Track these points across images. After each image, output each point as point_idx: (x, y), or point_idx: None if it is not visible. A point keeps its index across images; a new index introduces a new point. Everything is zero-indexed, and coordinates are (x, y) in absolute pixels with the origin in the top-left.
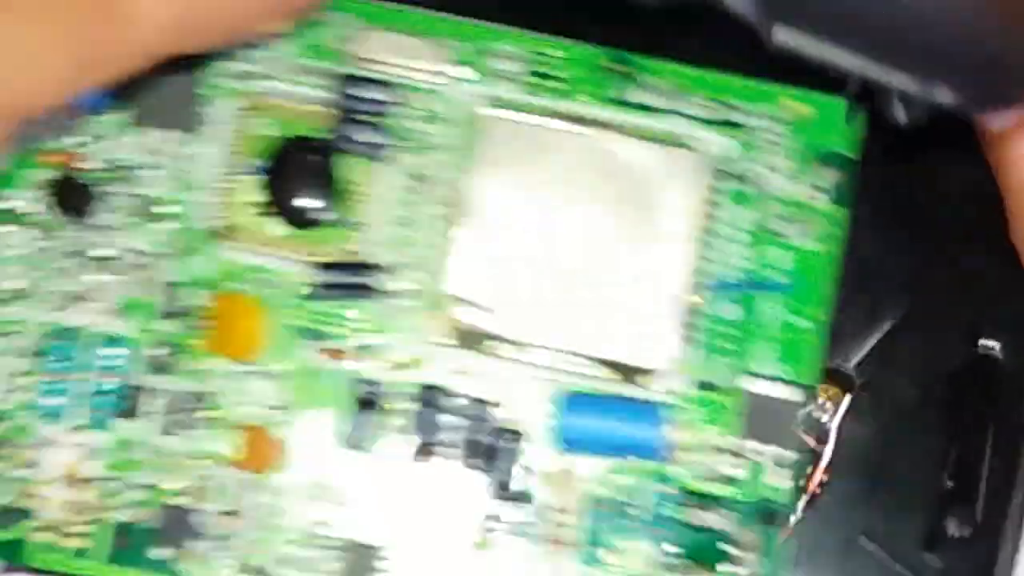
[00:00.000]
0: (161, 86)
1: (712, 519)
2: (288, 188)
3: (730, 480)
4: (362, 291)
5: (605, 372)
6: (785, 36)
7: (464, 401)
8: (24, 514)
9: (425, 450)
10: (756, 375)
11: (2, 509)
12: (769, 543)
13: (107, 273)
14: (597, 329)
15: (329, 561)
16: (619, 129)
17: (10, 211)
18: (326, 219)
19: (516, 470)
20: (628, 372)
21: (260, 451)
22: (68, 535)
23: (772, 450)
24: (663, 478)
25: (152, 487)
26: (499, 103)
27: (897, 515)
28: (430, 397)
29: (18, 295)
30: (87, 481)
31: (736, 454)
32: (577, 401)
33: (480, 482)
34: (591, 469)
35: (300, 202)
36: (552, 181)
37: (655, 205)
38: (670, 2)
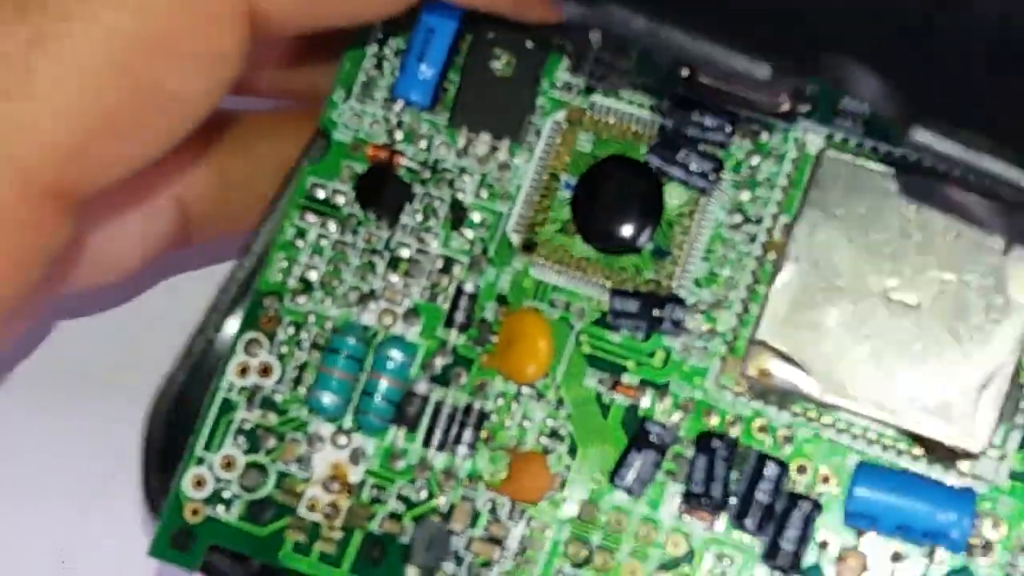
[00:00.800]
0: (496, 93)
1: None
2: (602, 209)
3: None
4: (662, 325)
5: (918, 449)
6: (924, 137)
7: (752, 456)
8: (285, 511)
9: (693, 500)
10: None
11: (263, 502)
12: None
13: (403, 274)
14: (913, 400)
15: None
16: (966, 184)
17: (326, 201)
18: (637, 245)
19: (796, 540)
20: (939, 451)
21: (531, 479)
22: (322, 539)
23: None
24: (960, 573)
25: (410, 501)
26: (838, 145)
27: None
28: (706, 444)
29: (312, 286)
30: (349, 486)
31: None
32: (877, 474)
33: (750, 546)
34: (883, 555)
35: (613, 226)
36: (888, 234)
37: (1005, 275)
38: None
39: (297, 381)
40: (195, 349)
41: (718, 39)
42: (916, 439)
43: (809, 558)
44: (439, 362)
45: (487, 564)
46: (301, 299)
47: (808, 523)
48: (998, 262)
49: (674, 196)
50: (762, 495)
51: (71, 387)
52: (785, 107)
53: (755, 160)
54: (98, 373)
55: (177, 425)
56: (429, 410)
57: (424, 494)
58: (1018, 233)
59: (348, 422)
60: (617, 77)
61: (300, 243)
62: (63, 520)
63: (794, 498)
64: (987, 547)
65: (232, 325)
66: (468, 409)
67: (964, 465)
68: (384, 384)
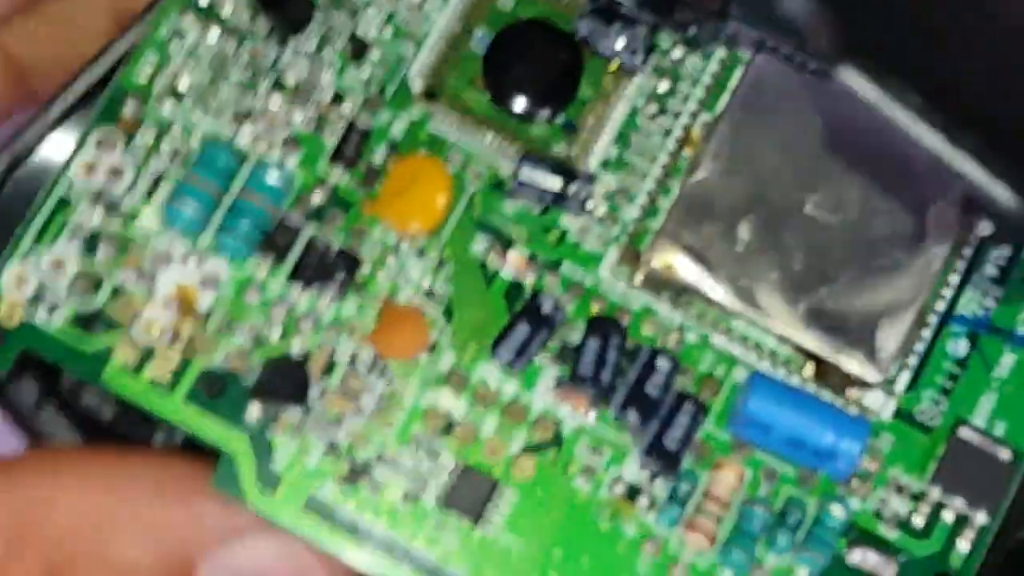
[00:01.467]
0: None
1: (872, 562)
2: (519, 73)
3: (904, 526)
4: (563, 201)
5: (809, 369)
6: (851, 77)
7: (643, 349)
8: (114, 328)
9: (575, 381)
10: (965, 422)
11: (95, 315)
12: None
13: (290, 100)
14: (816, 320)
15: (437, 477)
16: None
17: (211, 9)
18: (545, 117)
19: (675, 437)
20: (834, 376)
21: (405, 334)
22: (154, 364)
23: (960, 504)
24: (833, 499)
25: (261, 339)
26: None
27: None
28: (604, 330)
29: (182, 94)
30: (195, 312)
31: (918, 498)
32: (776, 386)
33: (628, 438)
34: (760, 463)
35: (528, 92)
36: (815, 148)
37: (927, 210)
38: None
39: (151, 192)
40: (18, 145)
41: None
42: (812, 359)
43: (686, 462)
44: (316, 198)
45: (338, 418)
46: (168, 105)
47: (694, 424)
48: (923, 194)
49: (594, 72)
50: (652, 388)
51: None
52: (716, 5)
53: (679, 53)
54: None
55: None
56: (300, 245)
57: (278, 333)
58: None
59: (205, 241)
60: None
61: (175, 46)
62: None
63: (682, 397)
64: (862, 480)
65: (69, 129)
66: (342, 251)
67: (853, 393)
68: (256, 205)
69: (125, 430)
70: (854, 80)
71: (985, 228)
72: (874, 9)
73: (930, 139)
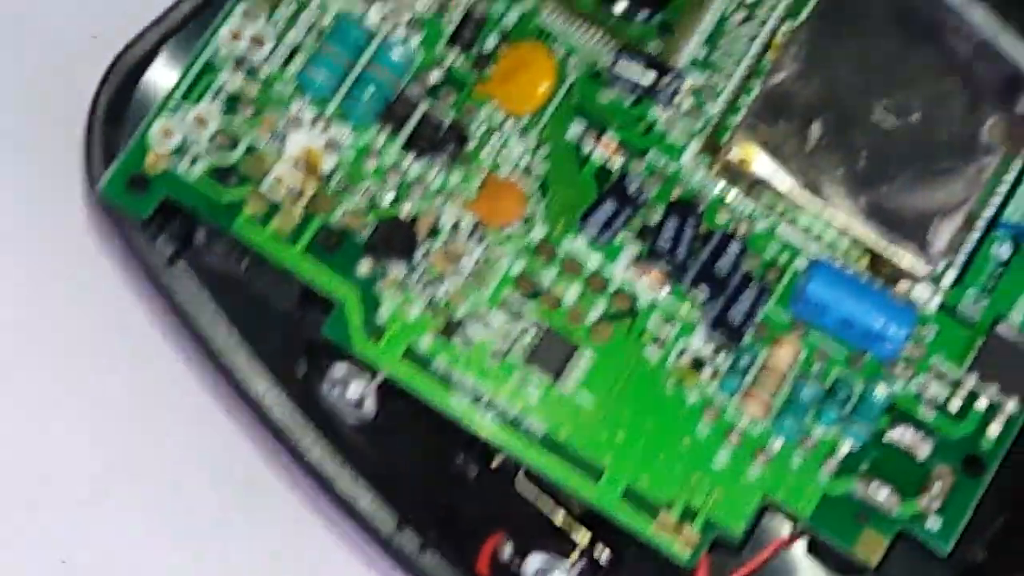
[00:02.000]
0: None
1: (909, 439)
2: None
3: (942, 408)
4: (653, 93)
5: (865, 260)
6: None
7: (715, 233)
8: (248, 181)
9: (653, 257)
10: (1004, 317)
11: (231, 169)
12: (957, 489)
13: None
14: (874, 214)
15: (523, 337)
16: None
17: None
18: (643, 18)
19: (739, 313)
20: (888, 267)
21: (504, 204)
22: (279, 217)
23: (994, 393)
24: (879, 379)
25: (375, 201)
26: None
27: None
28: (680, 210)
29: None
30: (318, 173)
31: (956, 385)
32: (835, 271)
33: (697, 313)
34: (814, 343)
35: None
36: (886, 59)
37: (984, 121)
38: None
39: (287, 61)
40: (172, 17)
41: None
42: (868, 252)
43: (747, 337)
44: (433, 77)
45: (439, 277)
46: None
47: (757, 303)
48: (981, 109)
49: None
50: (721, 268)
51: None
52: None
53: None
54: None
55: (134, 86)
56: (416, 116)
57: (391, 197)
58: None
59: (331, 109)
60: None
61: None
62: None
63: (747, 278)
64: (907, 364)
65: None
66: (453, 125)
67: (903, 286)
68: (381, 77)
69: (247, 282)
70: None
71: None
72: None
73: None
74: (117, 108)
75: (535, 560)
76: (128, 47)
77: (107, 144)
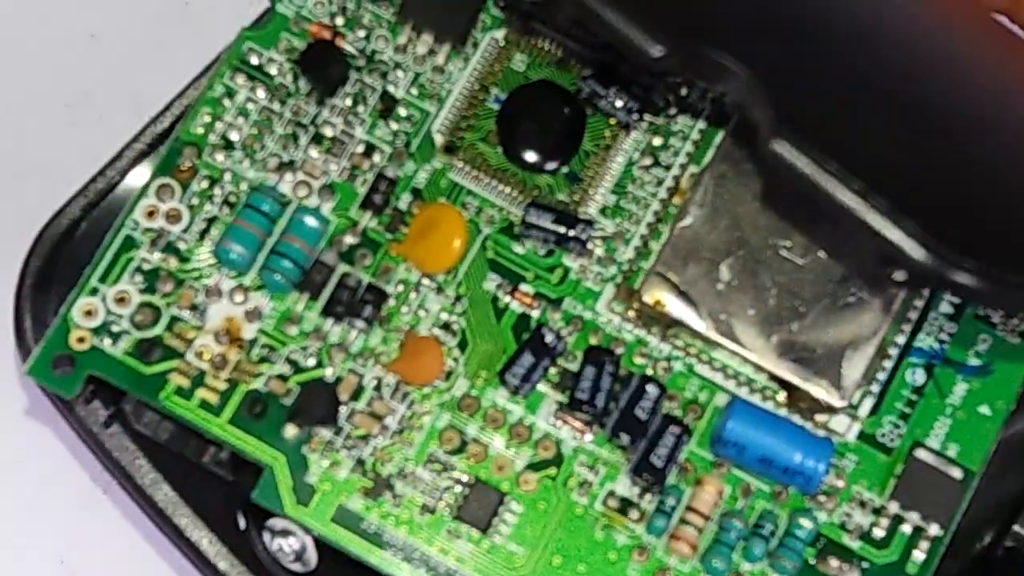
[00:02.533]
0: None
1: (836, 569)
2: (527, 128)
3: (866, 536)
4: (566, 243)
5: (782, 395)
6: (781, 148)
7: (633, 376)
8: (172, 354)
9: (573, 405)
10: (922, 444)
11: (154, 343)
12: None
13: (325, 152)
14: (789, 351)
15: (452, 492)
16: None
17: (259, 68)
18: (553, 169)
19: (661, 457)
20: (805, 401)
21: (424, 362)
22: (204, 387)
23: (916, 518)
24: (802, 513)
25: (298, 366)
26: None
27: None
28: (596, 359)
29: (233, 145)
30: (240, 342)
31: (878, 512)
32: (751, 411)
33: (620, 457)
34: (737, 479)
35: (535, 146)
36: (787, 196)
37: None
38: None
39: (203, 233)
40: (93, 188)
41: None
42: (784, 386)
43: (671, 478)
44: (348, 240)
45: (365, 437)
46: (219, 156)
47: (678, 445)
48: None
49: (596, 128)
50: (641, 412)
51: None
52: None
53: (672, 111)
54: None
55: (60, 254)
56: (333, 281)
57: (312, 361)
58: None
59: (249, 280)
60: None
61: (227, 102)
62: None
63: (667, 420)
64: (828, 495)
65: (137, 175)
66: (370, 288)
67: (821, 418)
68: (296, 247)
69: (180, 448)
70: (787, 151)
71: (900, 275)
72: (804, 90)
73: (852, 202)
74: (45, 276)
75: None
76: (54, 217)
77: (35, 312)
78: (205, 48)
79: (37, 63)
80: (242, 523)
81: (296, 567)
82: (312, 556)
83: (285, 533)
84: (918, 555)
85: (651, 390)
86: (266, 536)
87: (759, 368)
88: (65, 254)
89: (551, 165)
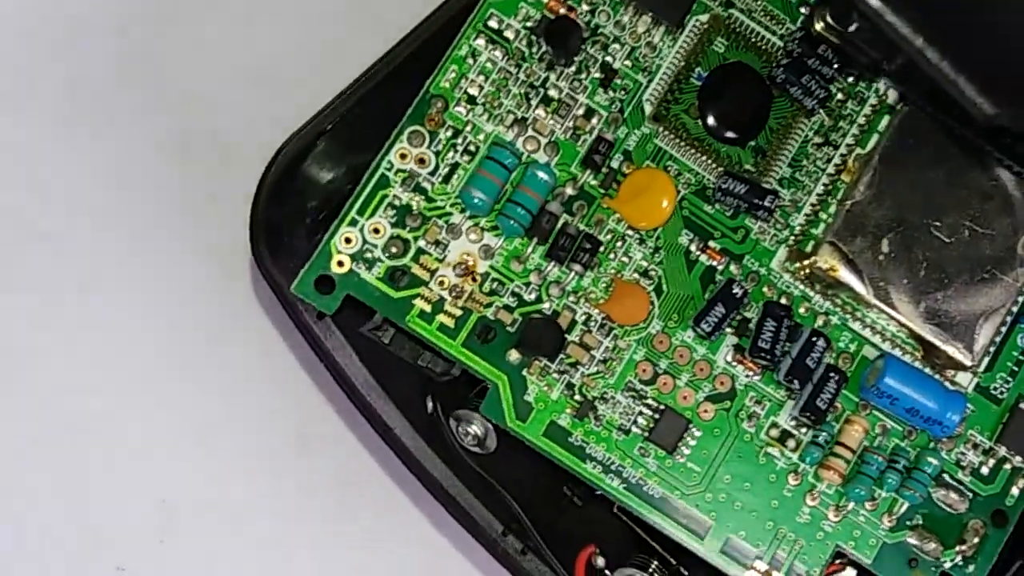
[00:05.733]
0: None
1: (952, 499)
2: (724, 104)
3: (976, 472)
4: (757, 210)
5: (920, 352)
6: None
7: (803, 329)
8: (417, 281)
9: (753, 353)
10: None
11: (402, 270)
12: (987, 538)
13: (552, 113)
14: (932, 316)
15: (644, 416)
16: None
17: (499, 32)
18: (744, 141)
19: (824, 400)
20: (940, 358)
21: (631, 305)
22: (443, 313)
23: (1018, 460)
24: (929, 452)
25: (521, 299)
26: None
27: None
28: (776, 312)
29: (474, 100)
30: (474, 275)
31: (987, 453)
32: (903, 367)
33: (783, 393)
34: (875, 421)
35: (726, 123)
36: (941, 184)
37: (1019, 237)
38: None
39: (447, 177)
40: (332, 112)
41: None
42: (923, 345)
43: (828, 414)
44: (568, 192)
45: (575, 365)
46: (462, 108)
47: (839, 389)
48: (1016, 227)
49: (780, 109)
50: (811, 362)
51: None
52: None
53: (842, 97)
54: None
55: (296, 172)
56: (557, 227)
57: (534, 296)
58: None
59: (485, 222)
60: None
61: (470, 61)
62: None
63: (830, 369)
64: (950, 438)
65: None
66: (587, 236)
67: (949, 373)
68: (530, 196)
69: (399, 351)
70: (995, 156)
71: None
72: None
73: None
74: (278, 194)
75: (624, 572)
76: (288, 141)
77: (268, 225)
78: None
79: None
80: (430, 407)
81: (476, 449)
82: (492, 442)
83: (469, 420)
84: (1015, 490)
85: (819, 343)
86: (452, 423)
87: (904, 328)
88: (297, 176)
89: (741, 138)
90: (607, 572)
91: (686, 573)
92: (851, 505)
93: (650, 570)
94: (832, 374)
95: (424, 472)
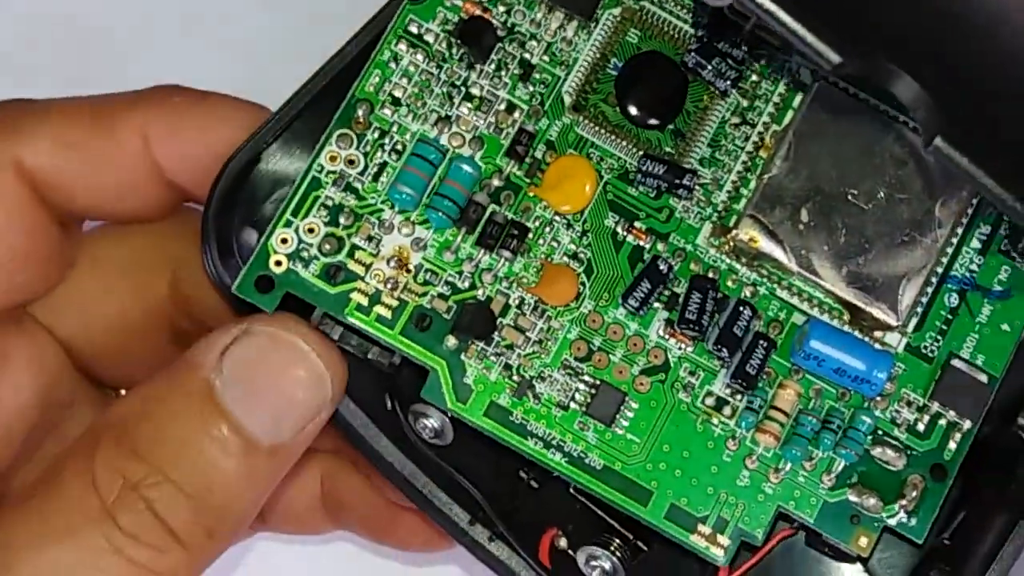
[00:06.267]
0: None
1: (889, 456)
2: (640, 91)
3: (911, 429)
4: (677, 189)
5: (847, 316)
6: (944, 148)
7: (730, 300)
8: (353, 276)
9: (682, 324)
10: (956, 355)
11: (338, 267)
12: (927, 492)
13: (475, 109)
14: (854, 280)
15: (581, 392)
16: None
17: (419, 36)
18: (662, 125)
19: (753, 366)
20: (866, 320)
21: (561, 286)
22: (380, 304)
23: (952, 416)
24: (863, 411)
25: (455, 287)
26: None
27: None
28: (701, 285)
29: (399, 102)
30: (408, 267)
31: (922, 410)
32: (828, 329)
33: (716, 364)
34: (809, 384)
35: (647, 106)
36: (857, 153)
37: (935, 201)
38: None
39: (376, 176)
40: (270, 128)
41: (802, 15)
42: (849, 308)
43: (759, 382)
44: (494, 183)
45: (511, 347)
46: (387, 111)
47: (767, 355)
48: (932, 191)
49: (694, 93)
50: (737, 330)
51: None
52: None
53: (756, 78)
54: None
55: (243, 182)
56: (485, 217)
57: (467, 284)
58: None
59: (415, 216)
60: None
61: (393, 65)
62: None
63: (758, 336)
64: (883, 397)
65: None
66: (514, 223)
67: (878, 334)
68: (455, 189)
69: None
70: (947, 150)
71: None
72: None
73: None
74: (227, 203)
75: (586, 550)
76: (235, 154)
77: (219, 231)
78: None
79: None
80: (388, 404)
81: (436, 441)
82: (449, 433)
83: (426, 414)
84: (951, 444)
85: (745, 312)
86: (410, 417)
87: (830, 293)
88: (245, 185)
89: (660, 123)
90: (570, 552)
91: (645, 548)
92: (789, 466)
93: (612, 548)
94: (761, 341)
95: (391, 469)
